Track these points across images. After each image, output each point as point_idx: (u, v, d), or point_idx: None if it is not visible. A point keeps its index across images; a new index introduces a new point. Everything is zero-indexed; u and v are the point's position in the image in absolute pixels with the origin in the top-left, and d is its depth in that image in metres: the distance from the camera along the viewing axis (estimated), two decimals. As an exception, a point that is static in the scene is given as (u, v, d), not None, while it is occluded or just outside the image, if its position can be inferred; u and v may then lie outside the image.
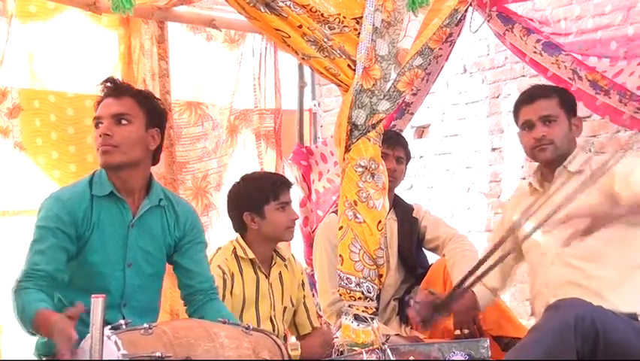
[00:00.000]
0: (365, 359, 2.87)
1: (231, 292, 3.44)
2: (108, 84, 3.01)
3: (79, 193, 2.94)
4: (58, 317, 2.51)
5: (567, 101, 3.27)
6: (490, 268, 3.02)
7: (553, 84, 3.42)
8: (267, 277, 3.54)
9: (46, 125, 4.14)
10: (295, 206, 4.03)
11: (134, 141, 2.94)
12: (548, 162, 3.24)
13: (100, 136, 2.92)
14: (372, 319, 3.17)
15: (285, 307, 3.58)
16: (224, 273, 3.43)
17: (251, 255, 3.51)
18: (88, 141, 4.11)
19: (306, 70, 4.97)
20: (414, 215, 4.07)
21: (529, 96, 3.30)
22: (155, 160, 3.06)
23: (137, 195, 2.99)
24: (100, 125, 2.95)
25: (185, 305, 3.14)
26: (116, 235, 2.94)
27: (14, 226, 3.99)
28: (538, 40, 3.87)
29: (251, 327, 2.73)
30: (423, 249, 4.12)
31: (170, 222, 3.05)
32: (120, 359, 2.32)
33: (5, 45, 3.91)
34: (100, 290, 2.51)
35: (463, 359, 2.91)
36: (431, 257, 4.13)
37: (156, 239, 3.02)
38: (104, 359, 2.25)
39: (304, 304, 3.67)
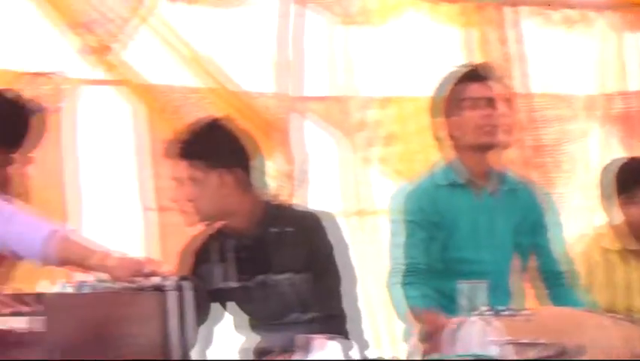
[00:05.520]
0: None
1: None
2: (470, 69, 3.03)
3: (431, 184, 2.97)
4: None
5: None
6: None
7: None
8: None
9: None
10: None
11: None
12: None
13: (487, 116, 2.89)
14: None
15: None
16: None
17: None
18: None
19: None
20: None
21: None
22: None
23: (484, 179, 2.98)
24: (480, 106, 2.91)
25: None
26: (475, 220, 2.94)
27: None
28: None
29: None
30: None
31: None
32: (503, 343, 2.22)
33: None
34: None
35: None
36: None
37: (512, 222, 2.98)
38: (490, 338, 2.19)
39: None
